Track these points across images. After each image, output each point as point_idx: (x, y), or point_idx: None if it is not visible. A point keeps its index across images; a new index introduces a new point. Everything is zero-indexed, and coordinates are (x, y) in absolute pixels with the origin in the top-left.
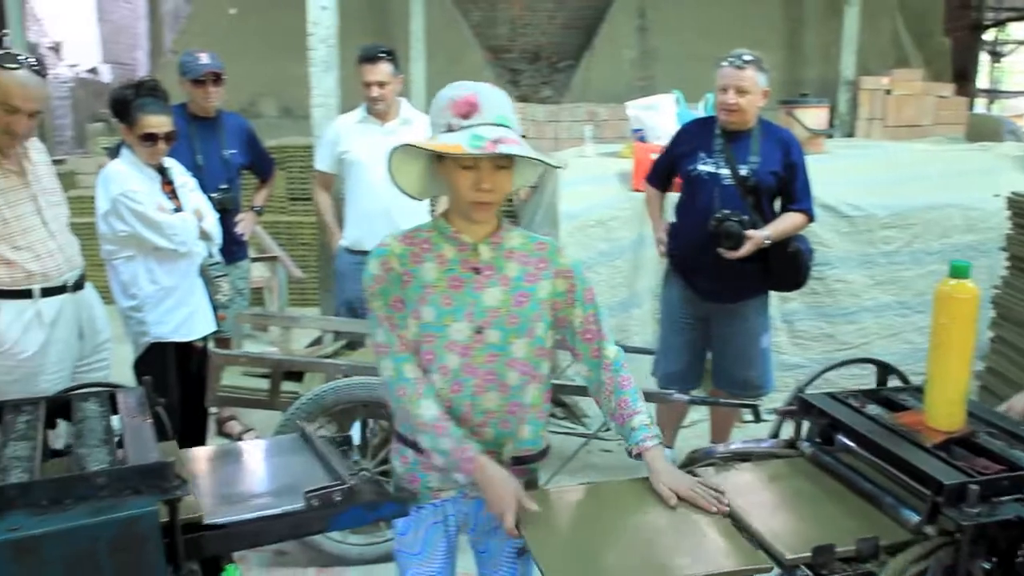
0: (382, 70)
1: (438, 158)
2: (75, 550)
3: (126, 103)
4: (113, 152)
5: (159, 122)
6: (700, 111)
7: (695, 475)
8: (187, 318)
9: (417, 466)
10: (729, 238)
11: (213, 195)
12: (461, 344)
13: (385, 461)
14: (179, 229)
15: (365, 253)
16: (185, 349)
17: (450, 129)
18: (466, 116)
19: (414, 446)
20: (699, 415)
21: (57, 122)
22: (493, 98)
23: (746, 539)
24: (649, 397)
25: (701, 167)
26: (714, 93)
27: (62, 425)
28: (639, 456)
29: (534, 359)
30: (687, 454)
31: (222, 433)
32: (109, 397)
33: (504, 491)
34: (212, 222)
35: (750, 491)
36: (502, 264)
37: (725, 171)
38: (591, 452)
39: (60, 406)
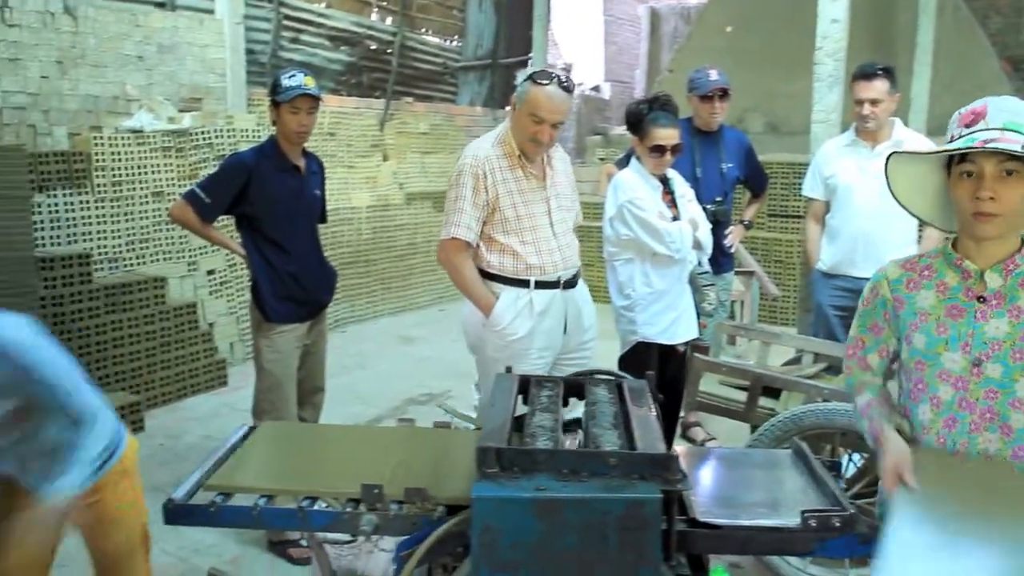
0: (877, 87)
1: (949, 177)
2: (589, 519)
3: (640, 116)
4: (622, 162)
5: (667, 135)
6: None
7: None
8: (673, 322)
9: None
10: None
11: (708, 206)
12: (955, 375)
13: (859, 496)
14: (676, 237)
15: (840, 277)
16: (667, 352)
17: (952, 140)
18: (970, 125)
19: None
20: None
21: (563, 134)
22: (1005, 107)
23: None
24: None
25: None
26: None
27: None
28: None
29: None
30: None
31: (685, 437)
32: (617, 386)
33: (896, 455)
34: (705, 232)
35: None
36: (1016, 293)
37: None
38: None
39: (573, 387)
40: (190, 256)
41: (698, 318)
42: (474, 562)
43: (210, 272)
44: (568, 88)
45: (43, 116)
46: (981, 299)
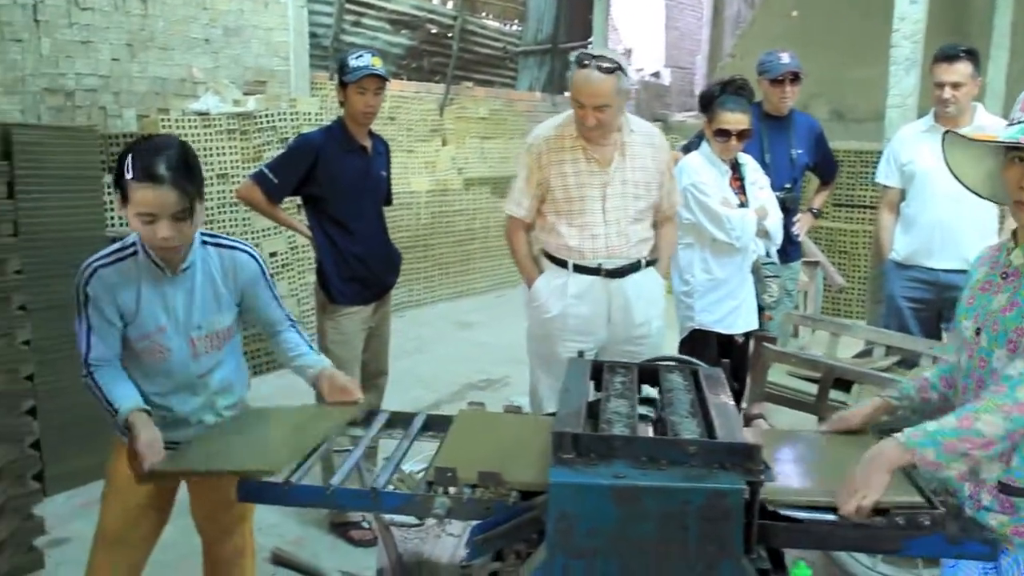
0: (959, 70)
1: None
2: (668, 508)
3: (711, 99)
4: (690, 146)
5: (734, 119)
6: None
7: None
8: (732, 311)
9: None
10: None
11: (776, 194)
12: (968, 343)
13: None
14: (737, 224)
15: (914, 267)
16: (726, 342)
17: (1011, 124)
18: None
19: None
20: None
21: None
22: None
23: None
24: None
25: None
26: None
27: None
28: None
29: None
30: None
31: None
32: (692, 373)
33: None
34: (775, 221)
35: None
36: None
37: None
38: None
39: (647, 373)
40: (253, 238)
41: (760, 311)
42: (549, 548)
43: (272, 254)
44: (607, 69)
45: (113, 98)
46: (1004, 275)
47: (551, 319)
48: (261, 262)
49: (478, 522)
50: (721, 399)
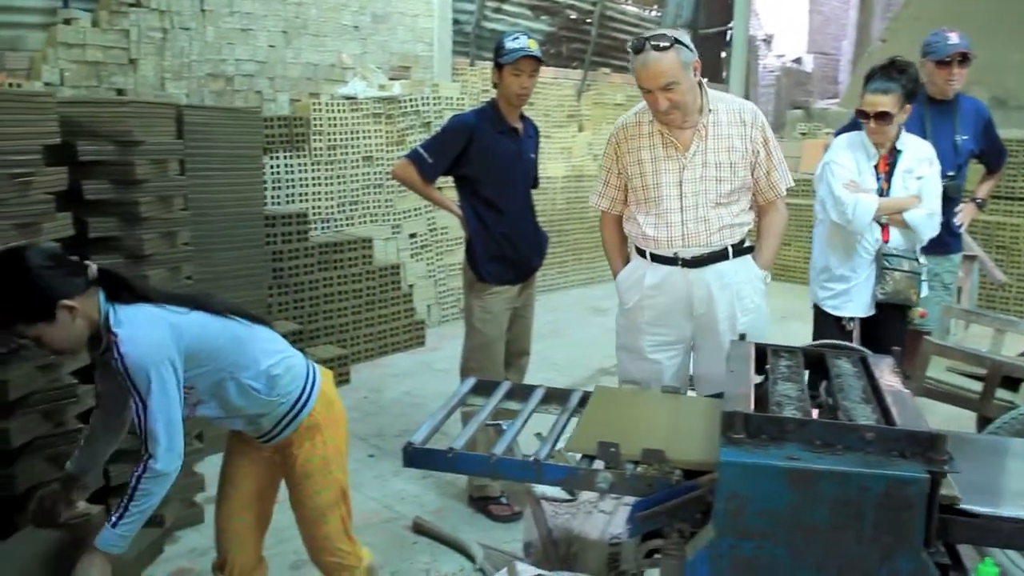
0: None
1: None
2: (844, 494)
3: (870, 77)
4: (849, 126)
5: (872, 101)
6: None
7: None
8: (840, 294)
9: None
10: None
11: None
12: None
13: None
14: (850, 206)
15: None
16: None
17: None
18: None
19: None
20: None
21: (761, 108)
22: None
23: None
24: None
25: None
26: None
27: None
28: None
29: None
30: None
31: None
32: (861, 359)
33: None
34: (920, 214)
35: None
36: None
37: None
38: None
39: (813, 358)
40: (395, 219)
41: (908, 308)
42: (718, 529)
43: (412, 235)
44: (663, 47)
45: (269, 83)
46: None
47: (630, 310)
48: (127, 363)
49: (637, 499)
50: (896, 387)
